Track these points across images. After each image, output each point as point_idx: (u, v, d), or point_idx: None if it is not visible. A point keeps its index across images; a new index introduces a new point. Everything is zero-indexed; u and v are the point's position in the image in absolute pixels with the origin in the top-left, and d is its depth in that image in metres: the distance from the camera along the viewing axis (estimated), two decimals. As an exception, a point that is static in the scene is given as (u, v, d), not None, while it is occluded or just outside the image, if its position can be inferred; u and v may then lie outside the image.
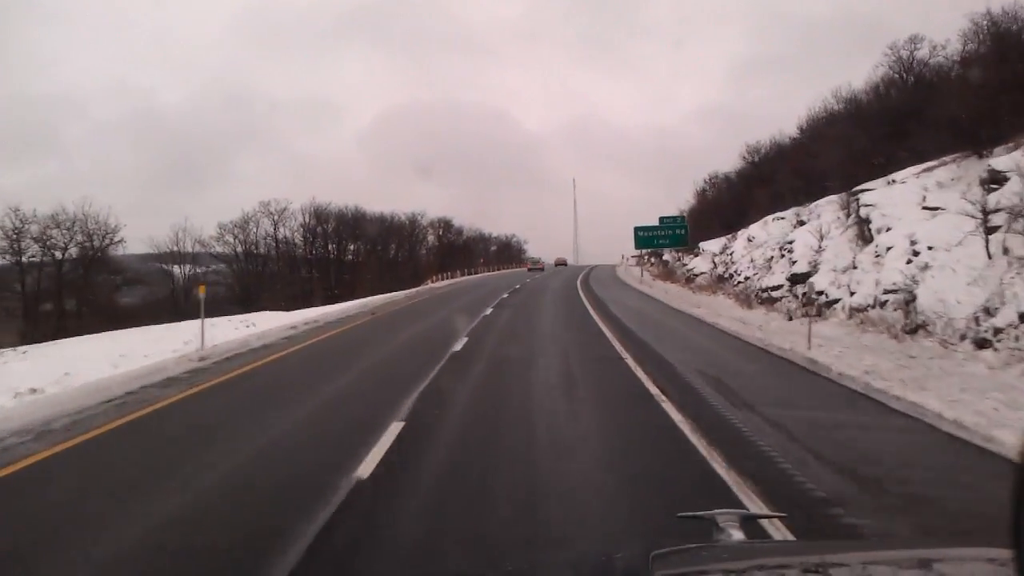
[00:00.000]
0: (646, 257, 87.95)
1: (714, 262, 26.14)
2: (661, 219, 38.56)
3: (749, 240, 23.43)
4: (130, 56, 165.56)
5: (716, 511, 1.87)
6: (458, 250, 74.08)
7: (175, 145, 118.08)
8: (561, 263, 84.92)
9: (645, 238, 37.53)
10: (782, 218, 22.96)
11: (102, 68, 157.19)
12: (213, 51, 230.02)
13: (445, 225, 74.73)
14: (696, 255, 31.26)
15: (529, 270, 64.67)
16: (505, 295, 26.28)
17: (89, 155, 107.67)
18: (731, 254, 23.91)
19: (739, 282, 21.32)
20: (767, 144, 34.45)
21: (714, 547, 1.71)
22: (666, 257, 48.43)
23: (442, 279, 43.54)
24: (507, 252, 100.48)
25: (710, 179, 64.90)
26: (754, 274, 20.66)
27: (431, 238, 71.03)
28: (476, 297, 26.14)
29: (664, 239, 37.18)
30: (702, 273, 28.20)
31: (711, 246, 30.23)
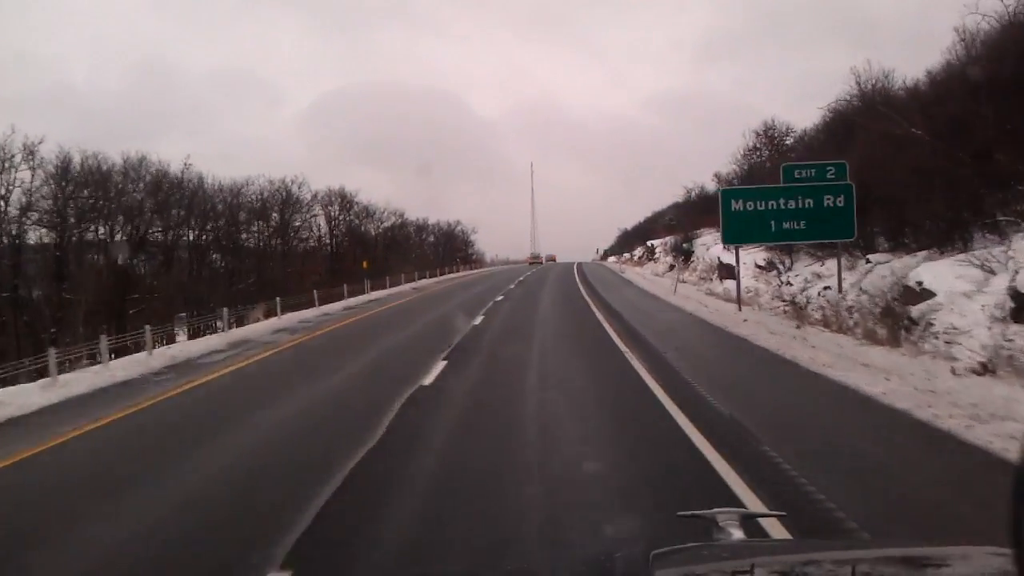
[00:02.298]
0: (642, 255, 64.09)
1: None
2: (788, 168, 15.96)
3: None
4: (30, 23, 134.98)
5: (716, 510, 1.79)
6: (370, 244, 49.55)
7: (85, 124, 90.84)
8: (551, 259, 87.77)
9: (747, 219, 15.13)
10: None
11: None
12: (129, 22, 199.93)
13: (342, 202, 45.68)
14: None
15: (530, 264, 75.20)
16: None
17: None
18: None
19: None
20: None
21: (714, 546, 1.67)
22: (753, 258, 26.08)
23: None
24: (450, 244, 76.40)
25: (765, 132, 42.31)
26: None
27: (321, 223, 44.46)
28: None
29: (801, 221, 14.84)
30: None
31: None
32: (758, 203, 15.13)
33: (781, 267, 21.41)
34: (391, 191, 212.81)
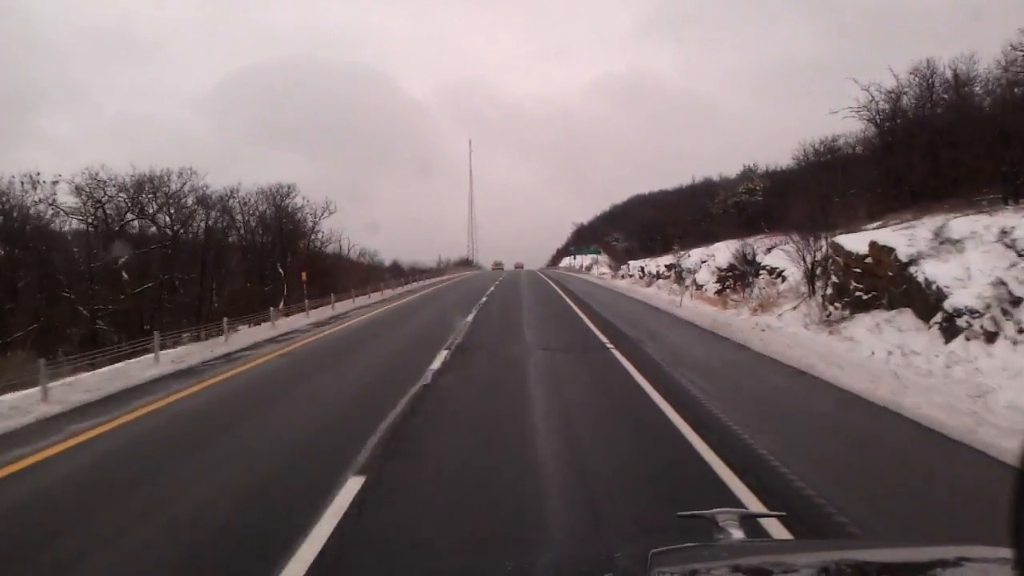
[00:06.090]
0: (731, 277, 35.99)
1: None
2: None
3: None
4: None
5: (716, 510, 1.84)
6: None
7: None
8: (519, 267, 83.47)
9: None
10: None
11: None
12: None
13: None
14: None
15: (493, 269, 79.34)
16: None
17: None
18: None
19: None
20: None
21: (714, 546, 1.69)
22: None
23: None
24: (287, 237, 45.43)
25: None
26: None
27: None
28: None
29: None
30: None
31: None
32: None
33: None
34: (312, 181, 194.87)
